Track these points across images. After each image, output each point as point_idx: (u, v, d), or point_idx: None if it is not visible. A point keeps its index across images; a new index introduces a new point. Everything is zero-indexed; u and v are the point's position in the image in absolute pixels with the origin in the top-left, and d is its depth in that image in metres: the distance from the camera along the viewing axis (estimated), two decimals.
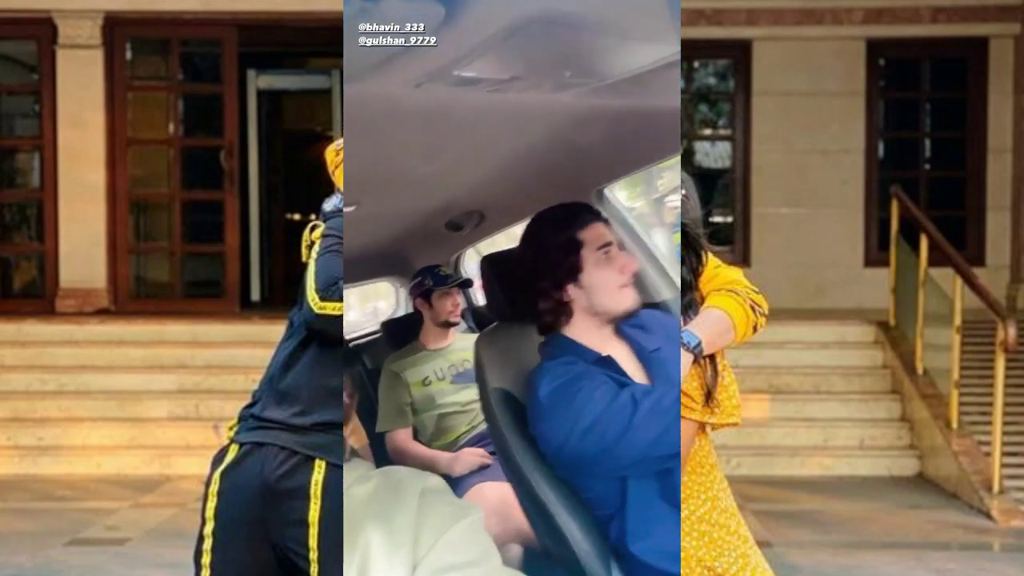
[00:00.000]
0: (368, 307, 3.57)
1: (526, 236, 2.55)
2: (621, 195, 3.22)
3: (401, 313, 3.53)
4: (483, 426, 2.97)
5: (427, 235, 3.34)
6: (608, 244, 2.48)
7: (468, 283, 3.41)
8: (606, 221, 2.56)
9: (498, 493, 2.62)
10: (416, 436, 3.26)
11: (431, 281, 3.31)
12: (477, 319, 3.38)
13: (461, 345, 3.30)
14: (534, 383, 2.43)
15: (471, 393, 2.90)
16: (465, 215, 3.24)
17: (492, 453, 2.94)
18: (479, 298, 3.25)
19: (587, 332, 2.49)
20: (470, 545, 2.12)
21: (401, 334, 3.39)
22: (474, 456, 3.10)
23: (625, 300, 2.48)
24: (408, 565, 2.12)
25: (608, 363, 2.47)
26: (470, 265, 3.51)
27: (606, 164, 3.04)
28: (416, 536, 2.14)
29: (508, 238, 3.14)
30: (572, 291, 2.51)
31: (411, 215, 3.18)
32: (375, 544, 2.15)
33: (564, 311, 2.53)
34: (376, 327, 3.55)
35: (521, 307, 2.56)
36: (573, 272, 2.49)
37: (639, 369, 2.54)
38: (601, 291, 2.45)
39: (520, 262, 2.52)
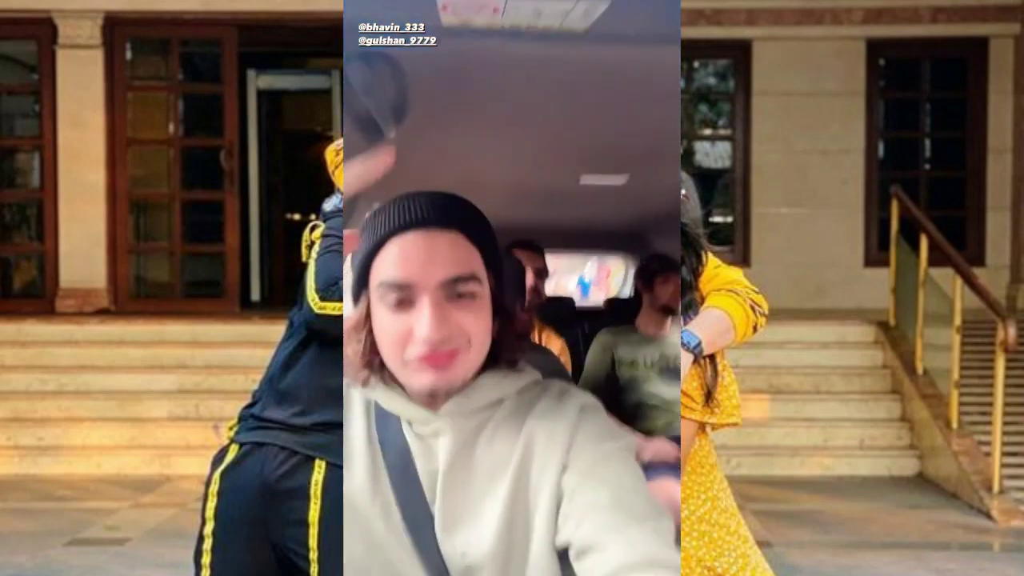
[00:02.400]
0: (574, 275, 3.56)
1: None
2: None
3: (627, 291, 3.53)
4: (678, 430, 2.94)
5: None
6: None
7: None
8: None
9: (675, 495, 2.60)
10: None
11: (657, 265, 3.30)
12: None
13: (676, 339, 3.28)
14: None
15: (674, 392, 2.87)
16: None
17: None
18: None
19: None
20: (623, 466, 2.11)
21: (621, 313, 3.38)
22: (667, 447, 3.04)
23: None
24: (559, 464, 2.08)
25: None
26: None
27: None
28: (570, 443, 2.11)
29: None
30: None
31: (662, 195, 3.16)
32: (538, 442, 2.12)
33: None
34: (600, 303, 3.55)
35: None
36: None
37: None
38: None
39: None
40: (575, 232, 2.81)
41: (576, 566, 1.99)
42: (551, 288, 2.96)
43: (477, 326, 2.06)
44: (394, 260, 2.03)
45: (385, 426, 2.16)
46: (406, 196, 2.08)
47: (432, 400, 2.10)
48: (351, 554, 2.17)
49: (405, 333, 2.03)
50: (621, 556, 1.93)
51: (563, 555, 2.07)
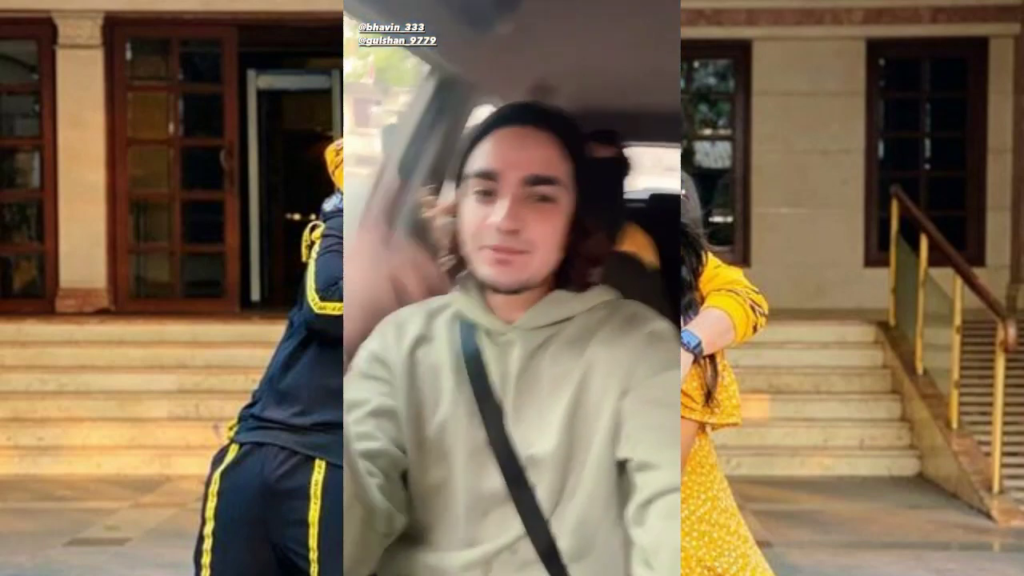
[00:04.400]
0: None
1: None
2: None
3: None
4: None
5: None
6: None
7: None
8: None
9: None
10: None
11: None
12: None
13: None
14: None
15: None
16: None
17: None
18: None
19: None
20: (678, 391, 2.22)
21: None
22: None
23: None
24: (619, 389, 2.19)
25: None
26: None
27: None
28: (632, 370, 2.20)
29: None
30: None
31: None
32: (598, 367, 2.22)
33: None
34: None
35: None
36: None
37: None
38: None
39: None
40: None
41: (635, 477, 2.13)
42: (655, 184, 2.90)
43: (546, 233, 2.17)
44: (487, 152, 2.17)
45: (467, 338, 2.30)
46: (516, 102, 2.25)
47: (499, 303, 2.25)
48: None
49: (483, 221, 2.17)
50: (672, 476, 2.09)
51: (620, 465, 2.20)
